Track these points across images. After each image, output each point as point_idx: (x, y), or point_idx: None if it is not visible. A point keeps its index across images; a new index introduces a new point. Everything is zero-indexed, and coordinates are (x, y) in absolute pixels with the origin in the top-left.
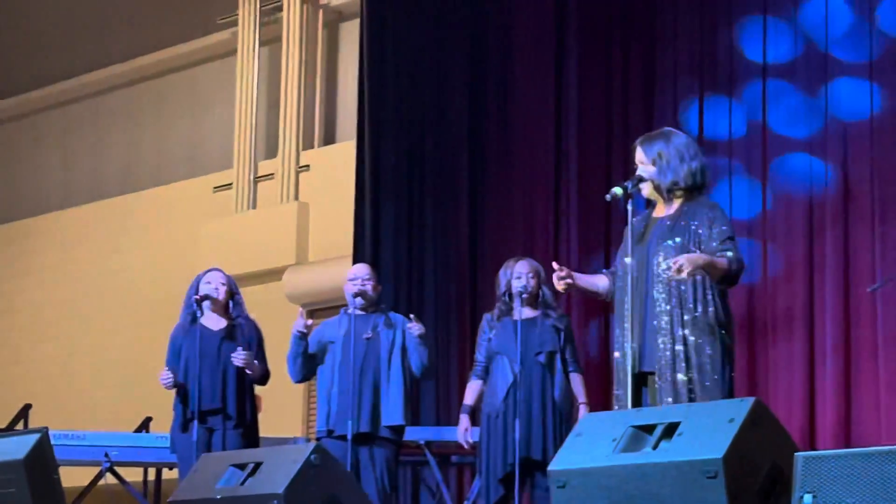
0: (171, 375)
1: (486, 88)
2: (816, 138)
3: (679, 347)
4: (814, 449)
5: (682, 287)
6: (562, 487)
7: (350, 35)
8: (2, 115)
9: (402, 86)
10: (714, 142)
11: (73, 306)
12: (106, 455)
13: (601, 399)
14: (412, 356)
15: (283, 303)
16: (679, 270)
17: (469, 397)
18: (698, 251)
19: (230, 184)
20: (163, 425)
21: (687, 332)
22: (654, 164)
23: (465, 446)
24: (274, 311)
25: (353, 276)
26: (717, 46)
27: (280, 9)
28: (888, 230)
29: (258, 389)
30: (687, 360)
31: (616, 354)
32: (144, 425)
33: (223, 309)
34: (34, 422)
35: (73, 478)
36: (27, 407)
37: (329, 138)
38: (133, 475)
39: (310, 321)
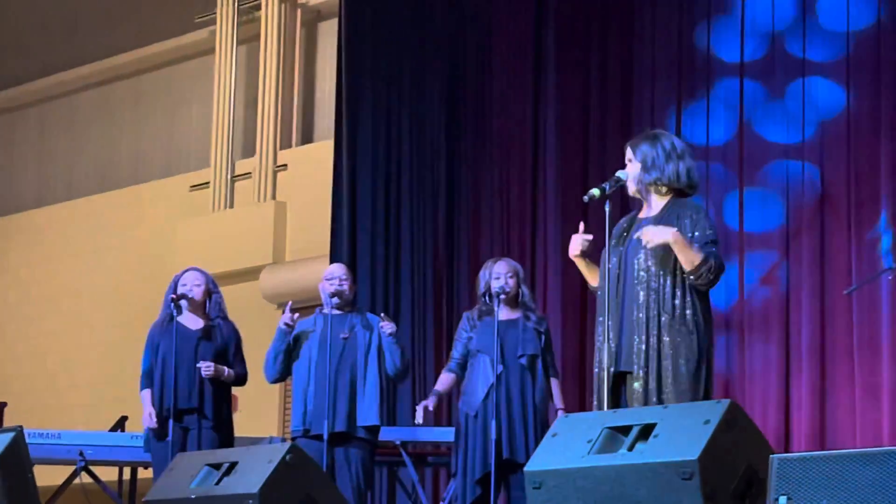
0: (154, 419)
1: (464, 89)
2: (794, 140)
3: (655, 347)
4: (789, 451)
5: (661, 288)
6: (537, 488)
7: (328, 34)
8: None
9: (380, 85)
10: (691, 143)
11: (49, 305)
12: (81, 454)
13: (576, 402)
14: (386, 357)
15: (260, 302)
16: (647, 239)
17: (440, 385)
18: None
19: (207, 183)
20: (138, 424)
21: (664, 332)
22: (640, 162)
23: (419, 419)
24: (250, 310)
25: (330, 276)
26: (694, 47)
27: (258, 8)
28: (864, 233)
29: (234, 389)
30: (663, 361)
31: (597, 355)
32: (120, 424)
33: (201, 309)
34: (9, 420)
35: (47, 477)
36: (2, 405)
37: (307, 138)
38: (108, 474)
39: (296, 314)
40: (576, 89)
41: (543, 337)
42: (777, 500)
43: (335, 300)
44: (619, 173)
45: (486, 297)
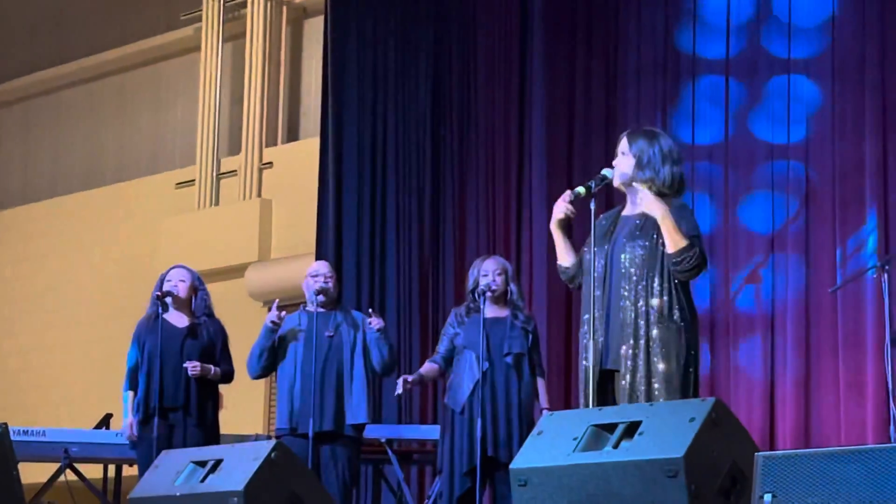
0: (133, 429)
1: (449, 86)
2: (779, 139)
3: (643, 344)
4: (774, 448)
5: (648, 286)
6: (523, 486)
7: (314, 32)
8: None
9: (366, 83)
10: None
11: (34, 302)
12: (65, 451)
13: (562, 399)
14: (372, 352)
15: (246, 300)
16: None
17: (423, 370)
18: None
19: (193, 180)
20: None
21: (651, 329)
22: (635, 157)
23: (399, 390)
24: (236, 308)
25: (315, 273)
26: (679, 45)
27: (244, 5)
28: (848, 231)
29: (221, 387)
30: (650, 357)
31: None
32: (104, 422)
33: (186, 306)
34: None
35: (32, 474)
36: None
37: (292, 135)
38: (93, 472)
39: (283, 313)
40: (561, 86)
41: (531, 336)
42: (762, 497)
43: (320, 297)
44: (604, 171)
45: (475, 294)
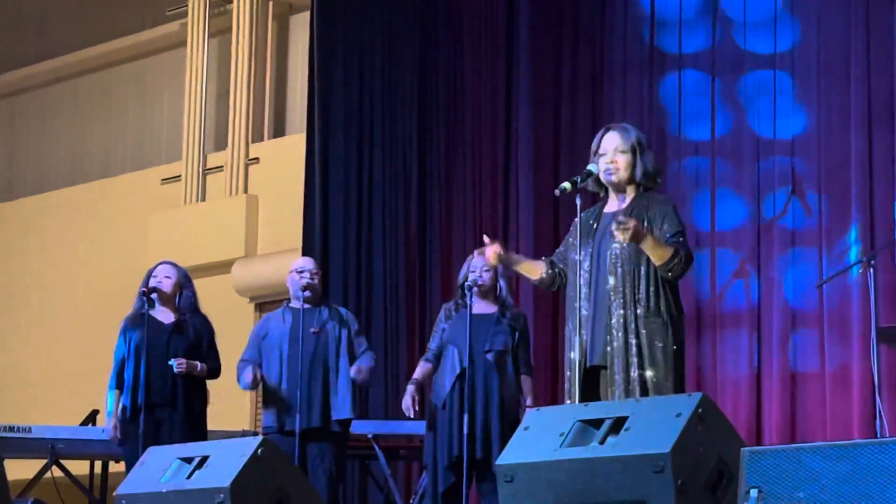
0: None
1: (436, 82)
2: (765, 134)
3: (631, 341)
4: (760, 443)
5: (635, 281)
6: (509, 482)
7: (300, 27)
8: None
9: (352, 78)
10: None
11: (19, 299)
12: (52, 448)
13: (548, 395)
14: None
15: (232, 295)
16: (624, 230)
17: (417, 373)
18: None
19: (179, 176)
20: None
21: (638, 326)
22: (631, 151)
23: (410, 415)
24: (222, 303)
25: (301, 269)
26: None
27: (229, 0)
28: (833, 226)
29: (207, 383)
30: (639, 354)
31: (568, 349)
32: (91, 418)
33: (173, 302)
34: None
35: (18, 470)
36: None
37: (279, 131)
38: (79, 468)
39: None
40: (548, 80)
41: (518, 333)
42: (748, 492)
43: (307, 293)
44: (590, 166)
45: (463, 289)
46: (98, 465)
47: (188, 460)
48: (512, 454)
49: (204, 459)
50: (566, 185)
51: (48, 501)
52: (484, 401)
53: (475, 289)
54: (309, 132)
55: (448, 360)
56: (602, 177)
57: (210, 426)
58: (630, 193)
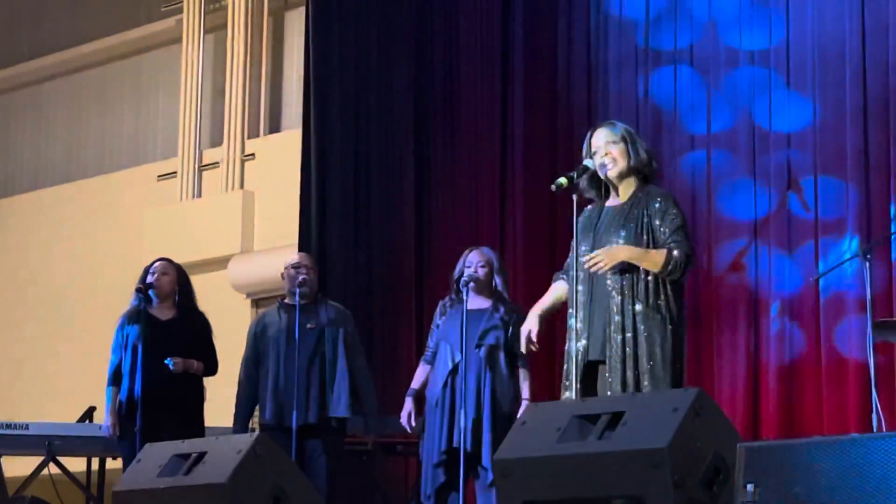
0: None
1: (432, 77)
2: (762, 127)
3: (629, 338)
4: (757, 438)
5: (634, 276)
6: (506, 477)
7: (296, 23)
8: None
9: (348, 74)
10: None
11: (16, 295)
12: (48, 445)
13: (545, 390)
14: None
15: (229, 292)
16: (595, 265)
17: (416, 381)
18: (651, 240)
19: (175, 172)
20: None
21: (638, 322)
22: (622, 140)
23: (408, 430)
24: (219, 300)
25: (297, 265)
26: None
27: None
28: (830, 220)
29: (204, 379)
30: (637, 351)
31: (567, 344)
32: (88, 415)
33: (170, 299)
34: None
35: (15, 467)
36: None
37: (274, 127)
38: (76, 465)
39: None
40: (543, 76)
41: (511, 327)
42: (745, 487)
43: (303, 289)
44: (585, 161)
45: (458, 284)
46: (95, 461)
47: (185, 457)
48: (508, 449)
49: (201, 456)
50: (562, 180)
51: (45, 498)
52: (475, 396)
53: (472, 284)
54: (305, 128)
55: (441, 357)
56: (600, 172)
57: (207, 423)
58: (630, 186)
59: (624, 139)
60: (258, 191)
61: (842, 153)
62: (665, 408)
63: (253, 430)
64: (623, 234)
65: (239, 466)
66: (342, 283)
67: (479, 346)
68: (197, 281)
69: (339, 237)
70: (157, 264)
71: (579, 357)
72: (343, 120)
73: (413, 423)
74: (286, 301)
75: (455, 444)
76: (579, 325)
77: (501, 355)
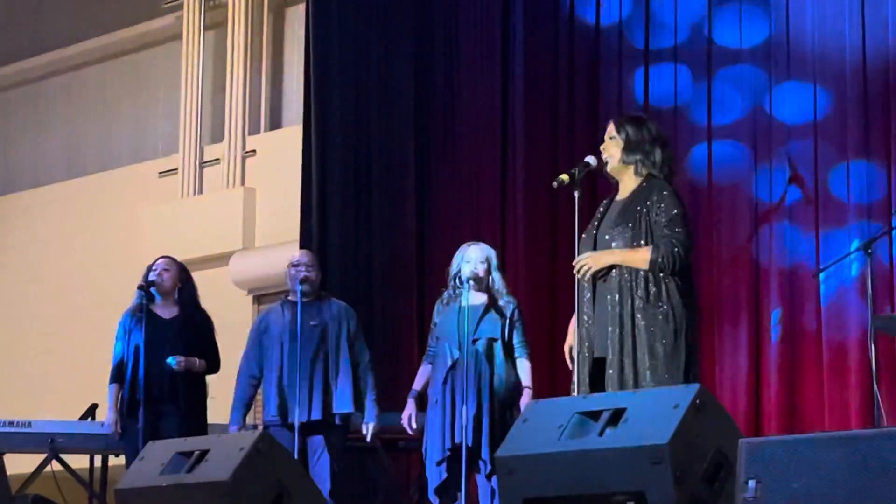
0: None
1: (432, 73)
2: (763, 121)
3: (630, 333)
4: (758, 434)
5: (634, 271)
6: (508, 474)
7: (296, 20)
8: None
9: (349, 71)
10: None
11: (17, 293)
12: (51, 442)
13: (546, 387)
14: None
15: (230, 288)
16: (579, 270)
17: (418, 382)
18: (650, 235)
19: (175, 169)
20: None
21: (638, 317)
22: (623, 141)
23: (410, 431)
24: (220, 296)
25: (297, 262)
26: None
27: None
28: (831, 215)
29: (207, 377)
30: (636, 345)
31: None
32: (90, 412)
33: (172, 297)
34: None
35: (18, 465)
36: None
37: (275, 123)
38: (79, 462)
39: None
40: (544, 72)
41: (508, 319)
42: (746, 483)
43: (305, 287)
44: (587, 158)
45: (456, 280)
46: (98, 459)
47: (188, 454)
48: (511, 446)
49: (204, 453)
50: (564, 176)
51: (48, 496)
52: (476, 390)
53: (472, 282)
54: (306, 124)
55: (441, 354)
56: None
57: (209, 420)
58: (631, 181)
59: (619, 130)
60: (259, 187)
61: (843, 147)
62: (666, 404)
63: (255, 427)
64: (625, 227)
65: (241, 464)
66: (342, 279)
67: (476, 340)
68: (198, 278)
69: (340, 233)
70: (159, 262)
71: (585, 353)
72: (344, 116)
73: (414, 425)
74: (289, 298)
75: (458, 441)
76: (586, 322)
77: (499, 347)
